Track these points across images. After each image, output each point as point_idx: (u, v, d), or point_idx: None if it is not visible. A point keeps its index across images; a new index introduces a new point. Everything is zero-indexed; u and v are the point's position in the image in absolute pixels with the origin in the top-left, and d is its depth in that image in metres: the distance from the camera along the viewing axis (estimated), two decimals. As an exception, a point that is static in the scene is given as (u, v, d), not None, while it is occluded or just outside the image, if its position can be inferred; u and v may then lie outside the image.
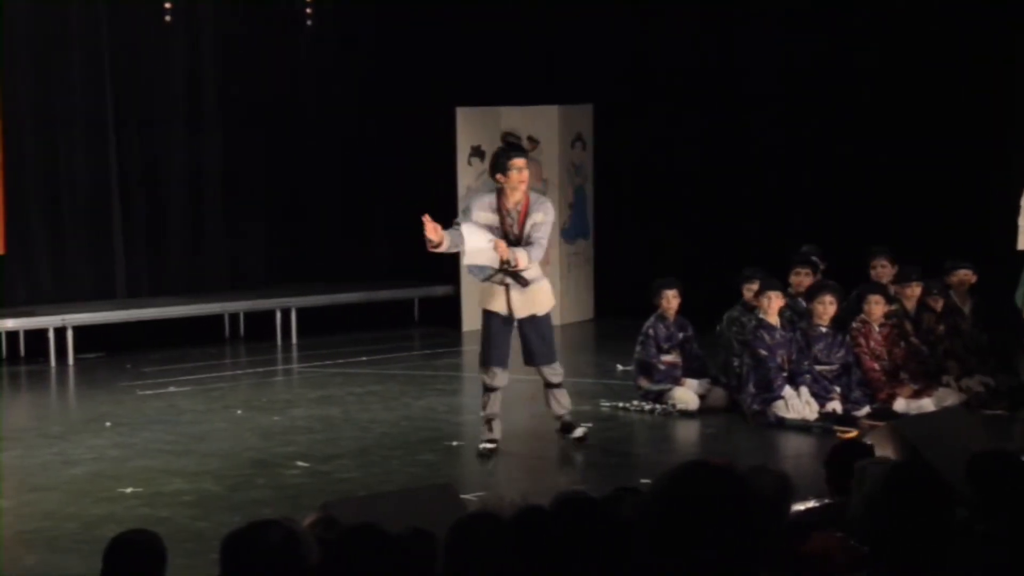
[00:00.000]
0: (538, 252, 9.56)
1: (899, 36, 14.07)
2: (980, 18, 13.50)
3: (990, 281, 11.46)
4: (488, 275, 9.57)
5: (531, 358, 9.76)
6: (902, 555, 3.41)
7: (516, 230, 9.49)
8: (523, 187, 9.48)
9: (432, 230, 9.17)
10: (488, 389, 9.69)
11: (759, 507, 2.90)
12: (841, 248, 12.21)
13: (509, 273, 9.51)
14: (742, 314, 11.30)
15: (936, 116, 13.77)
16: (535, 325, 9.65)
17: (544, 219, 9.50)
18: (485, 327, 9.72)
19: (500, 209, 9.48)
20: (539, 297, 9.65)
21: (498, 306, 9.58)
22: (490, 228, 9.45)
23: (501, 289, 9.56)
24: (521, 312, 9.58)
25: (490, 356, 9.66)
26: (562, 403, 9.87)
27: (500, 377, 9.64)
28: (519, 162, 9.48)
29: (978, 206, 13.24)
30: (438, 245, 9.26)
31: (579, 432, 9.84)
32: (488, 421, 9.72)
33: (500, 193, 9.51)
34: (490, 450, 9.62)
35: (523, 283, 9.55)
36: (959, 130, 13.63)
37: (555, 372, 9.78)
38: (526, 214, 9.50)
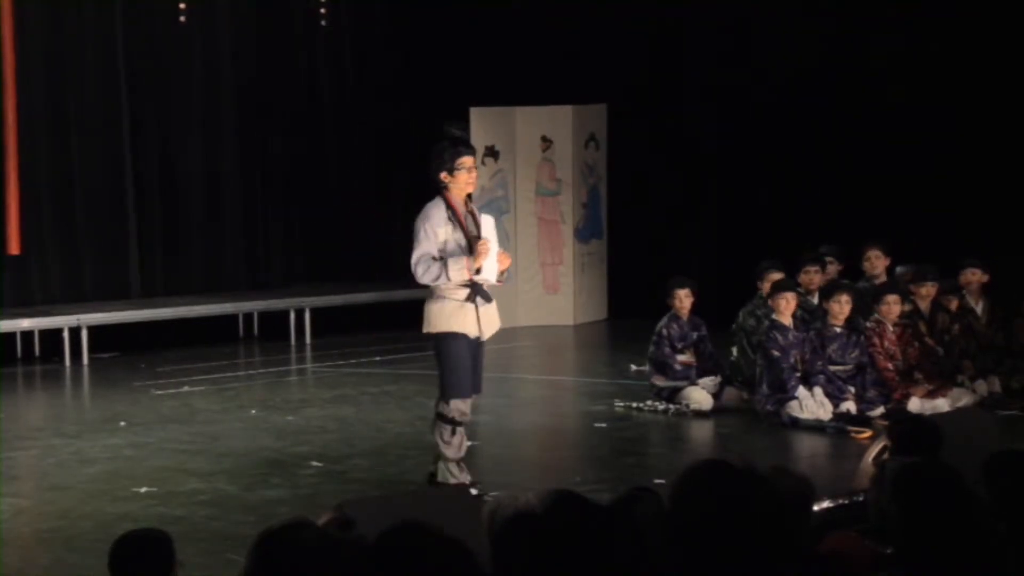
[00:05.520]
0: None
1: (917, 35, 14.03)
2: (1002, 17, 13.49)
3: (1009, 281, 11.43)
4: (465, 295, 8.30)
5: (474, 386, 8.45)
6: (921, 553, 3.40)
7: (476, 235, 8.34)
8: (470, 189, 8.37)
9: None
10: (457, 424, 8.32)
11: (781, 508, 2.88)
12: (858, 248, 12.16)
13: (478, 289, 8.36)
14: (757, 307, 11.29)
15: (957, 116, 13.73)
16: (482, 349, 8.48)
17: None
18: (450, 353, 8.28)
19: (456, 217, 8.29)
20: (497, 315, 8.53)
21: (469, 327, 8.29)
22: (459, 247, 8.27)
23: (471, 307, 8.30)
24: (488, 331, 8.41)
25: (462, 385, 8.29)
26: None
27: (468, 410, 8.41)
28: (468, 160, 8.32)
29: (999, 205, 13.21)
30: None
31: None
32: (459, 462, 8.36)
33: (446, 198, 8.32)
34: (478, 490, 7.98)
35: (488, 299, 8.41)
36: (980, 131, 13.59)
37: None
38: (477, 218, 8.42)
